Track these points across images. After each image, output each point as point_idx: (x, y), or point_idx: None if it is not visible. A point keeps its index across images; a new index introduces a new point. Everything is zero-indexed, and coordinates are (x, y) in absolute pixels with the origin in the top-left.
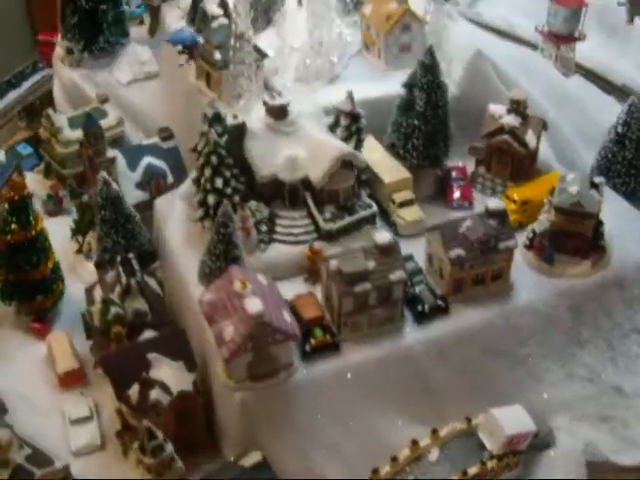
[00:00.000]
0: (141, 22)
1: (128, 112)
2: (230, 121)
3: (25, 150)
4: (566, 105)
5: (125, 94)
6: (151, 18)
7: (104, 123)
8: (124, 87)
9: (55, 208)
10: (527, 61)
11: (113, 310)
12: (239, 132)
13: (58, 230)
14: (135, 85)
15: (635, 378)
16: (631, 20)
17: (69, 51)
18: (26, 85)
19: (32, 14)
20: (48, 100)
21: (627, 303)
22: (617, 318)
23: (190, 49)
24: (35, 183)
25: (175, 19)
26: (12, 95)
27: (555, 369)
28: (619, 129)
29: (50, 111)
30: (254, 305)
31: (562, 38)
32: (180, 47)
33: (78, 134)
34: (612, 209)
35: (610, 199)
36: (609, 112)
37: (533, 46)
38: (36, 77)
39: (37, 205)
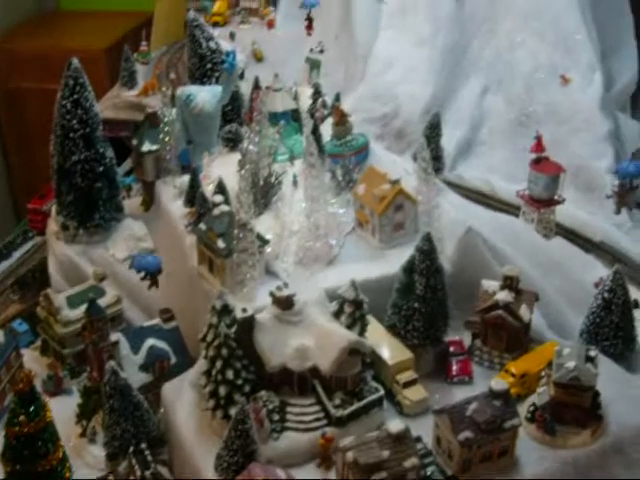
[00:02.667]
0: (129, 189)
1: (125, 289)
2: (239, 314)
3: (21, 327)
4: (551, 270)
5: (121, 270)
6: (144, 193)
7: (102, 302)
8: (120, 263)
9: (55, 389)
10: (512, 229)
11: None
12: (248, 325)
13: (59, 411)
14: None
15: None
16: (618, 211)
17: (64, 227)
18: (16, 255)
19: (12, 182)
20: (40, 271)
21: (627, 466)
22: None
23: (154, 276)
24: (32, 361)
25: (171, 197)
26: (3, 266)
27: None
28: (605, 295)
29: (49, 291)
30: None
31: (543, 202)
32: (142, 274)
33: (77, 313)
34: (604, 374)
35: (602, 363)
36: (591, 272)
37: (514, 207)
38: (26, 246)
39: (36, 385)
